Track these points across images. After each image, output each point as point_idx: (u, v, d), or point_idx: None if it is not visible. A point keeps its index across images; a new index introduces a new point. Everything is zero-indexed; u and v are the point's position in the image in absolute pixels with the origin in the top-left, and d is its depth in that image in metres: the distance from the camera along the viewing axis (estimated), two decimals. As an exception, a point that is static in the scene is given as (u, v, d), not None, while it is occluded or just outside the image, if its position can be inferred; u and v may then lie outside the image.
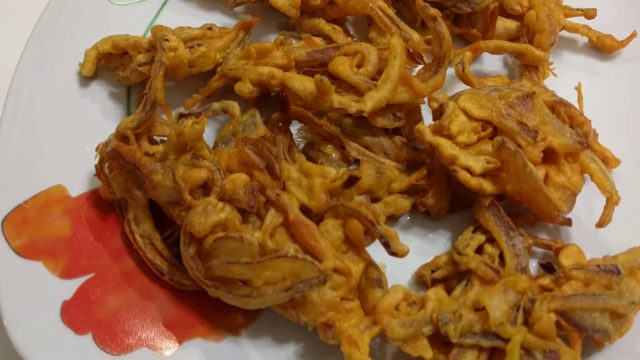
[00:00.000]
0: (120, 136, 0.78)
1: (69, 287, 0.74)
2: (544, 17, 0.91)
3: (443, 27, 0.80)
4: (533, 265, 0.80)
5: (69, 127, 0.84)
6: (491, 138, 0.79)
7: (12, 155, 0.80)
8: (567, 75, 0.94)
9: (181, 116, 0.71)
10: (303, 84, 0.78)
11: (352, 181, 0.76)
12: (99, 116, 0.86)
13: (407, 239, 0.82)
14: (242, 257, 0.68)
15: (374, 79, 0.82)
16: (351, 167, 0.84)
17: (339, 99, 0.78)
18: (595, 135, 0.87)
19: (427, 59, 0.87)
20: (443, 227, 0.84)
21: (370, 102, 0.79)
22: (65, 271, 0.75)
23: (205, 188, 0.73)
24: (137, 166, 0.73)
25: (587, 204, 0.84)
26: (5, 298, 0.71)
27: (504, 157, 0.75)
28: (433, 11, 0.80)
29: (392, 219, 0.83)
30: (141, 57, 0.81)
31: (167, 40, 0.76)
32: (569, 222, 0.82)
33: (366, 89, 0.81)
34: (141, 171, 0.73)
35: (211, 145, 0.84)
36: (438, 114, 0.80)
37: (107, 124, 0.85)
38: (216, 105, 0.79)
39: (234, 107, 0.78)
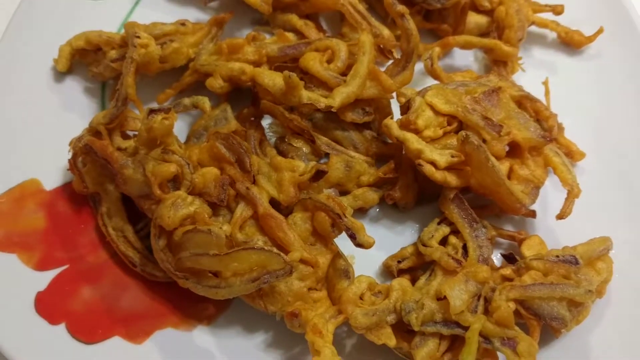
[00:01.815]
0: (93, 131, 0.79)
1: (43, 279, 0.75)
2: (513, 13, 0.93)
3: (411, 24, 0.82)
4: (498, 257, 0.83)
5: (44, 122, 0.85)
6: (457, 132, 0.81)
7: (-13, 150, 0.81)
8: (536, 70, 0.96)
9: (151, 112, 0.72)
10: (273, 80, 0.80)
11: (319, 175, 0.78)
12: (74, 111, 0.87)
13: (376, 230, 0.85)
14: (211, 249, 0.70)
15: (344, 74, 0.84)
16: (322, 161, 0.86)
17: (307, 95, 0.79)
18: (561, 128, 0.89)
19: (397, 54, 0.89)
20: (411, 219, 0.86)
21: (339, 98, 0.80)
22: (39, 263, 0.76)
23: (175, 182, 0.74)
24: (108, 161, 0.75)
25: (553, 196, 0.86)
26: (-20, 290, 0.72)
27: (467, 151, 0.77)
28: (400, 8, 0.82)
29: (361, 211, 0.85)
30: (114, 53, 0.82)
31: (138, 37, 0.77)
32: (532, 214, 0.84)
33: (335, 84, 0.82)
34: (112, 166, 0.75)
35: (184, 139, 0.86)
36: (405, 108, 0.82)
37: (82, 118, 0.86)
38: (187, 101, 0.80)
39: (204, 102, 0.79)
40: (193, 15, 0.97)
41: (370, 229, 0.84)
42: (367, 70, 0.81)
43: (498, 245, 0.84)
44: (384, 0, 0.82)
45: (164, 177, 0.72)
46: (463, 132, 0.77)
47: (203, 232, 0.70)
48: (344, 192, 0.84)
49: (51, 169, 0.83)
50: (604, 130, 0.92)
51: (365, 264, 0.81)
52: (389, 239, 0.84)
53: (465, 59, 0.98)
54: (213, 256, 0.69)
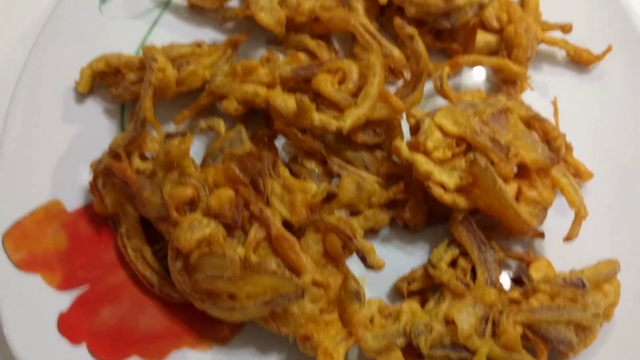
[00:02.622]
0: (113, 153, 0.81)
1: (65, 299, 0.78)
2: (521, 32, 0.94)
3: (420, 46, 0.83)
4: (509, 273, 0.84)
5: (66, 143, 0.88)
6: (465, 154, 0.83)
7: (11, 171, 0.84)
8: (545, 88, 0.97)
9: (168, 136, 0.75)
10: (285, 103, 0.82)
11: (330, 197, 0.80)
12: (94, 132, 0.90)
13: (387, 250, 0.87)
14: (225, 272, 0.72)
15: (355, 94, 0.86)
16: (333, 181, 0.88)
17: (319, 117, 0.81)
18: (569, 148, 0.90)
19: (407, 74, 0.90)
20: (421, 239, 0.88)
21: (349, 119, 0.82)
22: (61, 283, 0.79)
23: (191, 204, 0.77)
24: (127, 183, 0.78)
25: (561, 216, 0.88)
26: (6, 309, 0.75)
27: (475, 173, 0.78)
28: (410, 30, 0.83)
29: (372, 231, 0.87)
30: (132, 76, 0.85)
31: (155, 60, 0.80)
32: (541, 235, 0.85)
33: (346, 105, 0.84)
34: (131, 188, 0.77)
35: (200, 159, 0.88)
36: (415, 130, 0.84)
37: (102, 139, 0.89)
38: (203, 123, 0.82)
39: (220, 124, 0.82)
40: (209, 34, 0.99)
41: (381, 250, 0.86)
42: (377, 92, 0.83)
43: (507, 265, 0.85)
44: (394, 22, 0.84)
45: (180, 200, 0.75)
46: (471, 155, 0.79)
47: (218, 255, 0.73)
48: (355, 213, 0.86)
49: (73, 190, 0.85)
50: (612, 149, 0.93)
51: (376, 284, 0.83)
52: (399, 259, 0.86)
53: (474, 76, 0.99)
54: (228, 279, 0.72)
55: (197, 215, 0.75)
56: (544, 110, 0.91)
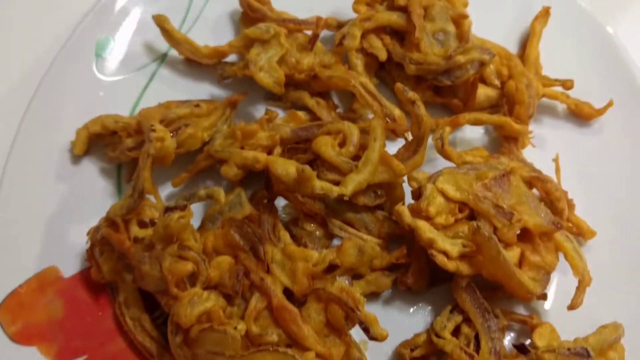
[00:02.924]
0: (110, 221, 0.80)
1: (63, 370, 0.77)
2: (523, 88, 0.93)
3: (421, 110, 0.83)
4: (511, 336, 0.84)
5: (61, 206, 0.87)
6: (469, 218, 0.82)
7: (5, 237, 0.83)
8: (546, 141, 0.97)
9: (167, 210, 0.74)
10: (286, 170, 0.81)
11: (332, 268, 0.79)
12: (90, 193, 0.89)
13: (388, 314, 0.86)
14: (226, 349, 0.71)
15: (357, 155, 0.85)
16: (334, 241, 0.87)
17: (320, 185, 0.80)
18: (571, 206, 0.90)
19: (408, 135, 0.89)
20: (424, 301, 0.87)
21: (351, 186, 0.81)
22: (58, 354, 0.78)
23: (191, 277, 0.76)
24: (125, 255, 0.76)
25: (563, 275, 0.87)
26: (2, 384, 0.74)
27: (479, 242, 0.78)
28: (411, 95, 0.82)
29: (374, 294, 0.86)
30: (130, 142, 0.83)
31: (154, 130, 0.79)
32: (544, 297, 0.85)
33: (348, 169, 0.83)
34: (129, 261, 0.76)
35: (199, 221, 0.87)
36: (417, 195, 0.83)
37: (98, 201, 0.88)
38: (202, 192, 0.81)
39: (220, 193, 0.81)
40: (206, 89, 0.98)
41: (383, 312, 0.85)
42: (378, 157, 0.82)
43: (510, 327, 0.85)
44: (395, 87, 0.83)
45: (180, 275, 0.74)
46: (474, 223, 0.78)
47: (219, 331, 0.72)
48: (356, 275, 0.85)
49: (69, 255, 0.84)
50: (615, 206, 0.92)
51: (378, 348, 0.82)
52: (401, 322, 0.85)
53: (475, 131, 0.98)
54: (229, 357, 0.71)
55: (197, 289, 0.74)
56: (544, 163, 0.92)
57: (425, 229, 0.79)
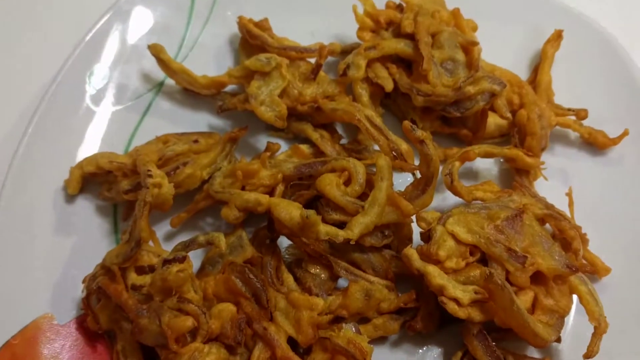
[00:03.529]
0: (106, 269, 0.77)
1: None
2: (535, 119, 0.89)
3: (430, 149, 0.79)
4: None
5: (55, 250, 0.84)
6: (480, 261, 0.79)
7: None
8: (558, 171, 0.93)
9: (165, 262, 0.71)
10: (289, 214, 0.78)
11: (339, 319, 0.76)
12: (86, 234, 0.85)
13: (396, 356, 0.83)
14: (230, 408, 0.68)
15: (363, 192, 0.82)
16: (340, 283, 0.84)
17: (325, 230, 0.77)
18: (585, 241, 0.87)
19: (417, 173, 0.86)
20: (432, 342, 0.84)
21: (357, 229, 0.78)
22: (55, 410, 0.75)
23: (192, 330, 0.73)
24: (123, 308, 0.73)
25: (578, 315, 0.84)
26: None
27: (491, 289, 0.75)
28: (420, 134, 0.78)
29: (381, 337, 0.83)
30: (125, 184, 0.80)
31: (150, 176, 0.75)
32: (558, 340, 0.81)
33: (354, 210, 0.80)
34: (127, 314, 0.73)
35: (199, 264, 0.84)
36: (426, 237, 0.79)
37: (95, 241, 0.85)
38: (201, 239, 0.78)
39: (220, 240, 0.77)
40: (205, 119, 0.94)
41: (391, 356, 0.83)
42: (385, 198, 0.79)
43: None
44: (403, 126, 0.79)
45: (180, 331, 0.70)
46: (487, 270, 0.75)
47: (221, 390, 0.69)
48: (363, 319, 0.82)
49: (65, 301, 0.81)
50: (631, 240, 0.89)
51: (387, 397, 0.80)
52: (410, 366, 0.82)
53: (484, 161, 0.95)
54: (233, 417, 0.68)
55: (197, 344, 0.71)
56: (556, 194, 0.88)
57: (436, 275, 0.76)
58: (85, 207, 0.87)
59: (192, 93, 0.94)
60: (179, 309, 0.72)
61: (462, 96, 0.87)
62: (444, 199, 0.90)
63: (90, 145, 0.89)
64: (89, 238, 0.85)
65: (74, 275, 0.82)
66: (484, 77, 0.88)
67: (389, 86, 0.89)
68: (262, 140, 0.93)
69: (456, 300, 0.76)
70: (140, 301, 0.74)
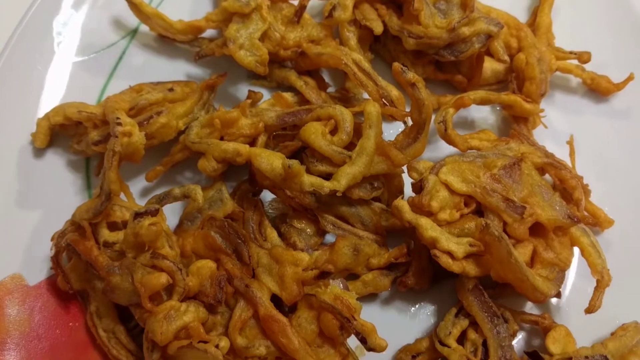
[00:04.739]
0: (77, 225, 0.72)
1: (31, 392, 0.70)
2: (534, 62, 0.84)
3: (422, 93, 0.73)
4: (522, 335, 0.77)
5: (24, 206, 0.79)
6: (476, 213, 0.74)
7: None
8: (559, 121, 0.88)
9: (137, 215, 0.65)
10: (271, 164, 0.72)
11: (325, 274, 0.71)
12: (57, 190, 0.80)
13: (387, 315, 0.79)
14: (208, 369, 0.64)
15: (351, 142, 0.77)
16: (327, 238, 0.79)
17: (310, 181, 0.72)
18: (587, 193, 0.82)
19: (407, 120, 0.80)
20: (425, 299, 0.80)
21: (344, 180, 0.73)
22: (26, 372, 0.71)
23: (168, 287, 0.68)
24: (93, 266, 0.68)
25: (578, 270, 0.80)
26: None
27: (487, 241, 0.70)
28: (411, 76, 0.73)
29: (371, 294, 0.78)
30: (95, 135, 0.75)
31: (120, 124, 0.69)
32: (558, 295, 0.77)
33: (340, 161, 0.75)
34: (98, 272, 0.68)
35: (176, 221, 0.79)
36: (418, 188, 0.74)
37: (66, 197, 0.80)
38: (177, 191, 0.73)
39: (196, 192, 0.72)
40: (182, 68, 0.88)
41: (382, 314, 0.79)
42: (374, 146, 0.74)
43: (520, 326, 0.78)
44: (392, 68, 0.73)
45: (154, 289, 0.66)
46: (482, 221, 0.70)
47: (199, 350, 0.65)
48: (352, 275, 0.77)
49: (35, 261, 0.76)
50: (635, 191, 0.84)
51: (376, 355, 0.75)
52: (401, 325, 0.78)
53: (481, 110, 0.89)
54: (211, 379, 0.64)
55: (173, 302, 0.66)
56: (557, 144, 0.83)
57: (428, 227, 0.71)
58: (55, 162, 0.82)
59: (168, 40, 0.88)
60: (153, 266, 0.67)
61: (457, 38, 0.81)
62: (437, 149, 0.85)
63: (59, 97, 0.83)
64: (60, 195, 0.80)
65: (45, 235, 0.77)
66: (479, 18, 0.82)
67: (378, 28, 0.83)
68: (242, 90, 0.87)
69: (450, 254, 0.71)
70: (112, 258, 0.69)
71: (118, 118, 0.70)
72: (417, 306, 0.80)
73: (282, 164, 0.70)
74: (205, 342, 0.65)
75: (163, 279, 0.65)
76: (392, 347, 0.75)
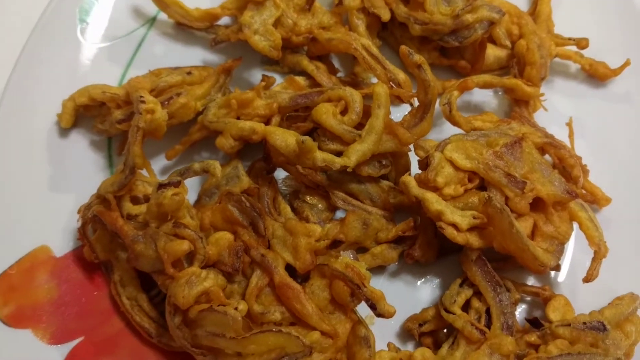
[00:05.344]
0: (102, 198, 0.76)
1: (59, 353, 0.75)
2: (534, 48, 0.88)
3: (428, 75, 0.78)
4: (522, 309, 0.81)
5: (50, 183, 0.83)
6: (479, 188, 0.78)
7: (-6, 217, 0.79)
8: (558, 103, 0.92)
9: (161, 186, 0.70)
10: (285, 141, 0.77)
11: (336, 243, 0.75)
12: (81, 168, 0.84)
13: (395, 287, 0.83)
14: (227, 330, 0.68)
15: (360, 123, 0.81)
16: (337, 214, 0.83)
17: (322, 156, 0.76)
18: (585, 171, 0.86)
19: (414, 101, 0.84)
20: (432, 272, 0.84)
21: (354, 157, 0.77)
22: (54, 337, 0.75)
23: (188, 256, 0.72)
24: (119, 235, 0.73)
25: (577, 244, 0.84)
26: (-3, 369, 0.72)
27: (490, 213, 0.74)
28: (417, 58, 0.77)
29: (380, 267, 0.83)
30: (119, 114, 0.79)
31: (143, 102, 0.74)
32: (557, 268, 0.81)
33: (350, 139, 0.79)
34: (123, 240, 0.72)
35: (195, 196, 0.83)
36: (424, 164, 0.78)
37: (89, 175, 0.84)
38: (196, 166, 0.77)
39: (215, 167, 0.76)
40: (199, 54, 0.93)
41: (389, 286, 0.82)
42: (382, 125, 0.78)
43: (522, 298, 0.81)
44: (400, 51, 0.78)
45: (176, 255, 0.70)
46: (485, 194, 0.74)
47: (219, 312, 0.69)
48: (362, 249, 0.81)
49: (61, 234, 0.81)
50: (631, 171, 0.88)
51: (385, 323, 0.79)
52: (409, 296, 0.82)
53: (483, 93, 0.93)
54: (230, 339, 0.68)
55: (194, 268, 0.71)
56: (556, 127, 0.87)
57: (433, 201, 0.75)
58: (79, 142, 0.86)
59: (186, 28, 0.92)
60: (175, 234, 0.71)
61: (460, 25, 0.85)
62: (442, 131, 0.89)
63: (82, 81, 0.87)
64: (83, 172, 0.84)
65: (70, 209, 0.81)
66: (482, 5, 0.86)
67: (385, 15, 0.87)
68: (256, 75, 0.92)
69: (455, 226, 0.75)
70: (136, 229, 0.73)
71: (142, 96, 0.74)
72: (423, 279, 0.84)
73: (297, 139, 0.74)
74: (225, 306, 0.69)
75: (185, 245, 0.69)
76: (399, 318, 0.79)
